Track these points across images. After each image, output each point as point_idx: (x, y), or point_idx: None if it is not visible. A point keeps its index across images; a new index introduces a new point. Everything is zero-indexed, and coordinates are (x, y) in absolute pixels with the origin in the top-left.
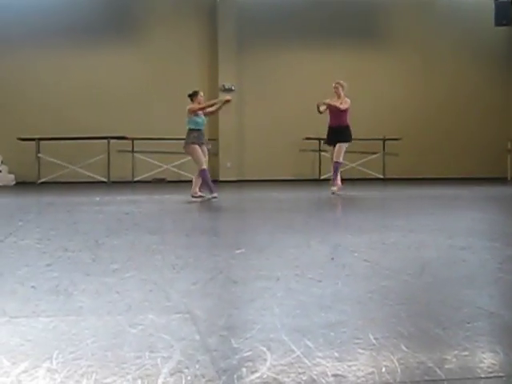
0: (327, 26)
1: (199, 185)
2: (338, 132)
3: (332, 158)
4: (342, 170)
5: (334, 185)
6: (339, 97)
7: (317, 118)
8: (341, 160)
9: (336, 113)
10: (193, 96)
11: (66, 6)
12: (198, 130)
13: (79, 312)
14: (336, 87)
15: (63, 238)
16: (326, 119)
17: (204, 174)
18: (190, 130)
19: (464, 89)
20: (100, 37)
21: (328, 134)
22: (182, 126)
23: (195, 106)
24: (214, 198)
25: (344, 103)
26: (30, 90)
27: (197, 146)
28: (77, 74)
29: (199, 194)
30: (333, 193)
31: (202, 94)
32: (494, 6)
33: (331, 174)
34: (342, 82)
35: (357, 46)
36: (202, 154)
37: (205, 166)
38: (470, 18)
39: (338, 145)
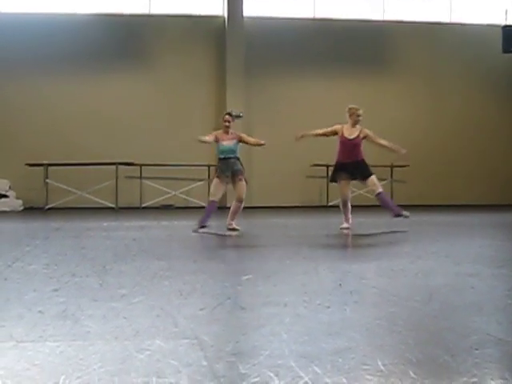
0: (335, 53)
1: (232, 216)
2: (358, 168)
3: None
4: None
5: (402, 213)
6: (355, 125)
7: (325, 145)
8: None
9: (353, 146)
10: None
11: (75, 32)
12: (222, 158)
13: (86, 337)
14: (357, 112)
15: (70, 263)
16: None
17: (208, 206)
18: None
19: (472, 115)
20: (108, 63)
21: (343, 170)
22: (190, 152)
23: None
24: (202, 228)
25: (372, 135)
26: (38, 115)
27: (215, 179)
28: (85, 100)
29: (233, 226)
30: (406, 216)
31: (226, 115)
32: (502, 32)
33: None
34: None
35: (364, 72)
36: (216, 186)
37: (212, 198)
38: (477, 45)
39: (368, 180)
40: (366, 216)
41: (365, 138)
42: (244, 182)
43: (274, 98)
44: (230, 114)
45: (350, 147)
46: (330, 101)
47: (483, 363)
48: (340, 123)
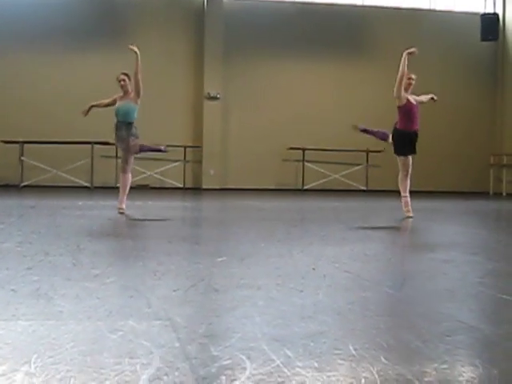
0: (314, 36)
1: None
2: (415, 140)
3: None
4: (324, 181)
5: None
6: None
7: (301, 128)
8: None
9: (417, 114)
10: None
11: (51, 10)
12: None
13: (59, 316)
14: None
15: (44, 241)
16: (307, 129)
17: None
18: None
19: (449, 103)
20: (85, 41)
21: (406, 141)
22: (166, 132)
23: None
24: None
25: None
26: (14, 92)
27: None
28: (62, 78)
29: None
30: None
31: (120, 74)
32: (480, 20)
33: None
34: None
35: (343, 56)
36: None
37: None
38: (456, 33)
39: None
40: (341, 200)
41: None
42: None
43: (251, 80)
44: (124, 74)
45: (416, 114)
46: (308, 84)
47: (454, 350)
48: (319, 107)
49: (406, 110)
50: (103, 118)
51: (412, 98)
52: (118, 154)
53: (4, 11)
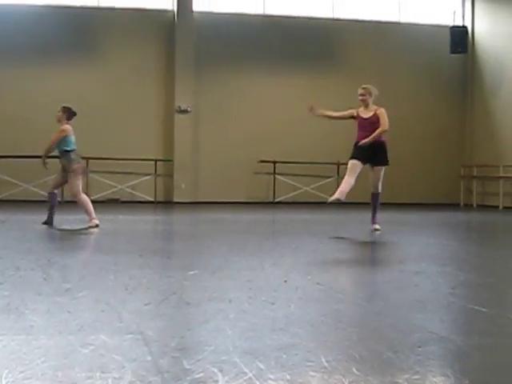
0: (284, 49)
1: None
2: (377, 150)
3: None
4: (295, 193)
5: (376, 222)
6: (367, 106)
7: (272, 141)
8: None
9: (369, 126)
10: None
11: (21, 23)
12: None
13: (30, 331)
14: (363, 94)
15: (15, 256)
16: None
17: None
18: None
19: (419, 115)
20: (56, 55)
21: (360, 150)
22: (137, 146)
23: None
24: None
25: (383, 118)
26: None
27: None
28: (32, 93)
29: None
30: (377, 230)
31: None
32: (449, 33)
33: (372, 207)
34: (370, 86)
35: (313, 69)
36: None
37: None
38: (425, 45)
39: (378, 168)
40: (312, 213)
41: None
42: (74, 176)
43: (222, 94)
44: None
45: (368, 127)
46: (278, 97)
47: (426, 360)
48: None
49: (359, 125)
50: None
51: (363, 112)
52: (89, 168)
53: None
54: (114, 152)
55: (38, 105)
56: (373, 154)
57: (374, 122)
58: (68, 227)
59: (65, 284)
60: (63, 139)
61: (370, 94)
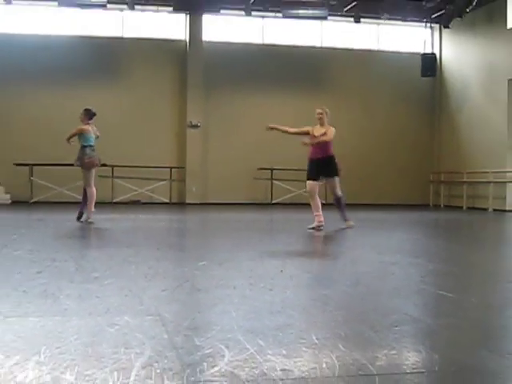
0: (280, 73)
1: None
2: (326, 164)
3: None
4: (290, 195)
5: (348, 219)
6: (323, 125)
7: (269, 151)
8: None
9: (323, 144)
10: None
11: (59, 51)
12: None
13: (64, 313)
14: (320, 113)
15: (51, 249)
16: (274, 152)
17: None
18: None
19: (395, 129)
20: (87, 78)
21: (313, 167)
22: (155, 155)
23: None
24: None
25: (329, 133)
26: (26, 122)
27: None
28: (67, 110)
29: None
30: (350, 225)
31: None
32: (421, 59)
33: (339, 211)
34: (325, 108)
35: (304, 91)
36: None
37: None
38: (401, 70)
39: (331, 179)
40: (305, 213)
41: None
42: (85, 169)
43: (227, 111)
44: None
45: (320, 144)
46: (275, 114)
47: (401, 338)
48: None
49: (311, 139)
50: (100, 144)
51: (317, 130)
52: (114, 174)
53: (17, 53)
54: (135, 161)
55: (70, 121)
56: (324, 168)
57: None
58: (97, 225)
59: (93, 273)
60: (82, 136)
61: (326, 113)
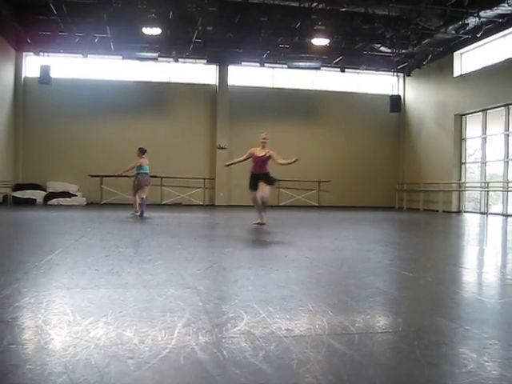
0: (286, 109)
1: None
2: (261, 176)
3: (257, 198)
4: (292, 199)
5: (262, 218)
6: (264, 147)
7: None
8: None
9: (262, 162)
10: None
11: (119, 92)
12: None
13: (125, 286)
14: (265, 138)
15: (116, 239)
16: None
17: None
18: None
19: (370, 151)
20: (142, 113)
21: (252, 181)
22: (193, 169)
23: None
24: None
25: (275, 154)
26: (97, 146)
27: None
28: (126, 136)
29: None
30: (262, 224)
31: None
32: (389, 99)
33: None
34: (268, 134)
35: (303, 122)
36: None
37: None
38: (374, 107)
39: (263, 184)
40: (303, 212)
41: (269, 157)
42: (137, 187)
43: (246, 136)
44: (139, 148)
45: (259, 163)
46: (283, 139)
47: (375, 306)
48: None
49: (253, 160)
50: (153, 161)
51: (260, 152)
52: (163, 183)
53: (85, 94)
54: (178, 173)
55: (129, 145)
56: (261, 179)
57: (264, 160)
58: (150, 221)
59: (147, 256)
60: (137, 167)
61: (268, 139)
